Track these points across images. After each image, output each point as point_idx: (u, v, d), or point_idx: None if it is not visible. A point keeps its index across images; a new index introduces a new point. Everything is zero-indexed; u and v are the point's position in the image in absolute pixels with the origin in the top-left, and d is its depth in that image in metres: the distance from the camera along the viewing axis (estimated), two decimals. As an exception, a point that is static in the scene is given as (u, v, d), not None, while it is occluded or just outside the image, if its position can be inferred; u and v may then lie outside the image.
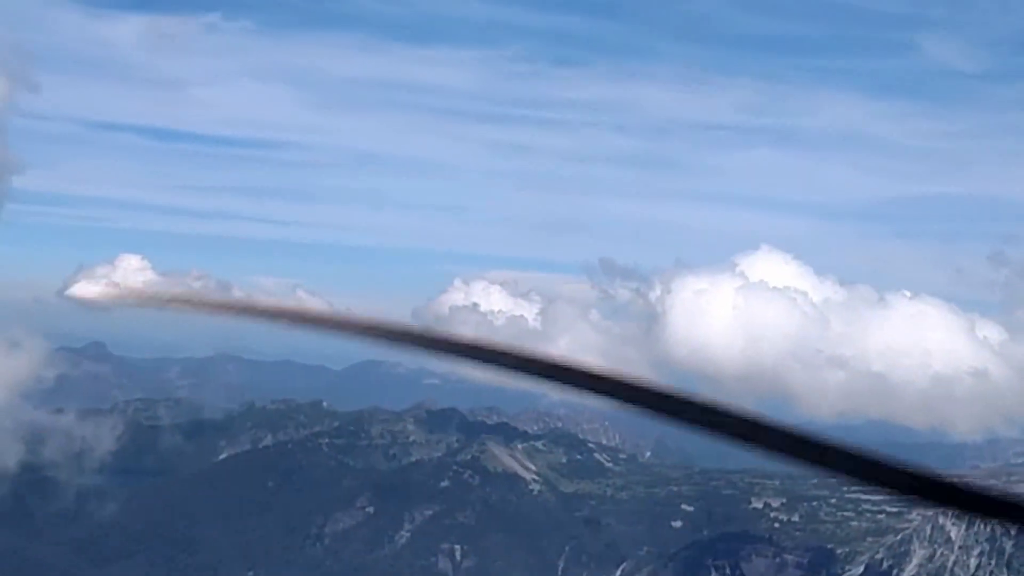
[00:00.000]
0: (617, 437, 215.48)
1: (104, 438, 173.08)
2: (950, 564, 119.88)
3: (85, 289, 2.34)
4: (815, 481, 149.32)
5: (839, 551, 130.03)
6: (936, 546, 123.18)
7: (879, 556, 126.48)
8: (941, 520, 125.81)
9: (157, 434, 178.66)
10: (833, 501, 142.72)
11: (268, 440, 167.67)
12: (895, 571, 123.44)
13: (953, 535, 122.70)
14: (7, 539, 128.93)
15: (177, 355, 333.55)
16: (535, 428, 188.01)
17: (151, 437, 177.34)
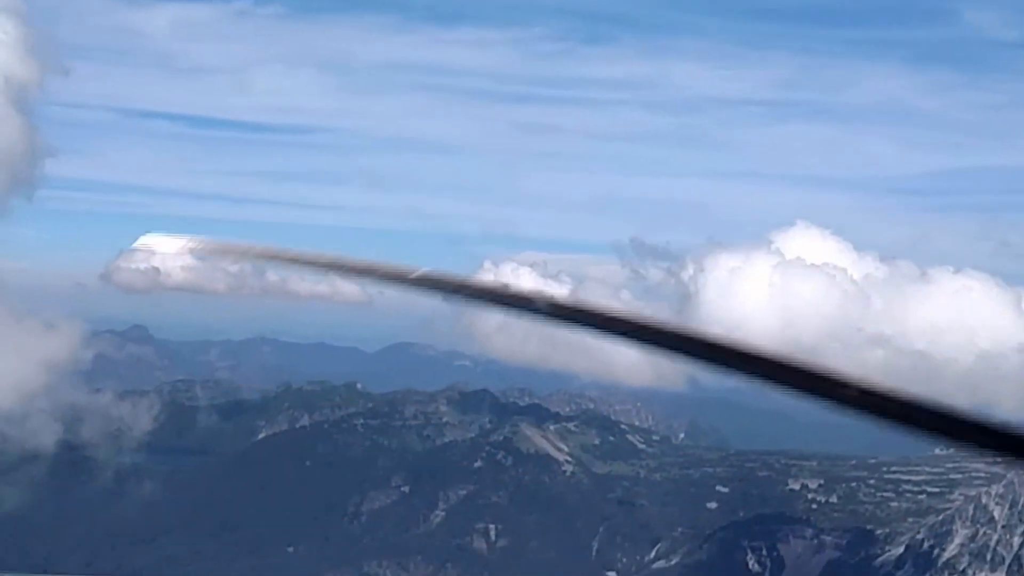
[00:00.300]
0: (650, 418, 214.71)
1: (145, 418, 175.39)
2: (992, 543, 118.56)
3: (153, 243, 2.37)
4: (853, 462, 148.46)
5: (878, 532, 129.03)
6: (978, 526, 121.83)
7: (920, 536, 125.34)
8: (984, 500, 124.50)
9: (197, 414, 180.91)
10: (872, 482, 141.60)
11: (305, 420, 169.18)
12: (936, 551, 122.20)
13: (996, 515, 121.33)
14: (48, 518, 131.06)
15: (216, 338, 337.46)
16: (567, 409, 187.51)
17: (191, 417, 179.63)
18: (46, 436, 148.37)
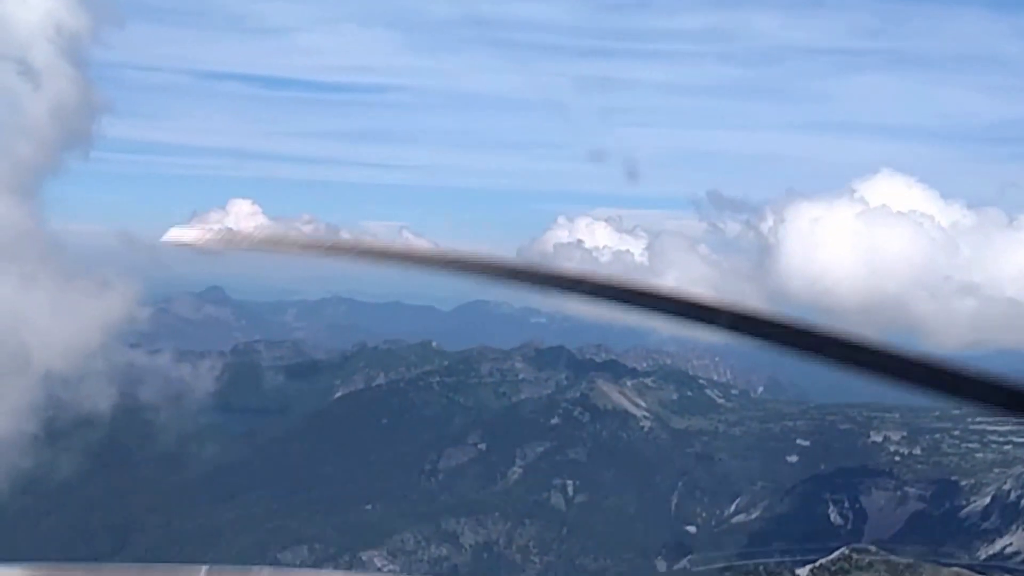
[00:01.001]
0: (728, 373, 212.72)
1: (223, 379, 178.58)
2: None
3: (182, 235, 2.41)
4: (937, 413, 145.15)
5: (963, 483, 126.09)
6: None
7: (1006, 487, 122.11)
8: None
9: (275, 374, 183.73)
10: (956, 433, 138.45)
11: (380, 379, 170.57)
12: (1023, 502, 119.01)
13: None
14: (129, 478, 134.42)
15: (292, 298, 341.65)
16: (644, 365, 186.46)
17: (270, 378, 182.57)
18: (113, 398, 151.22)
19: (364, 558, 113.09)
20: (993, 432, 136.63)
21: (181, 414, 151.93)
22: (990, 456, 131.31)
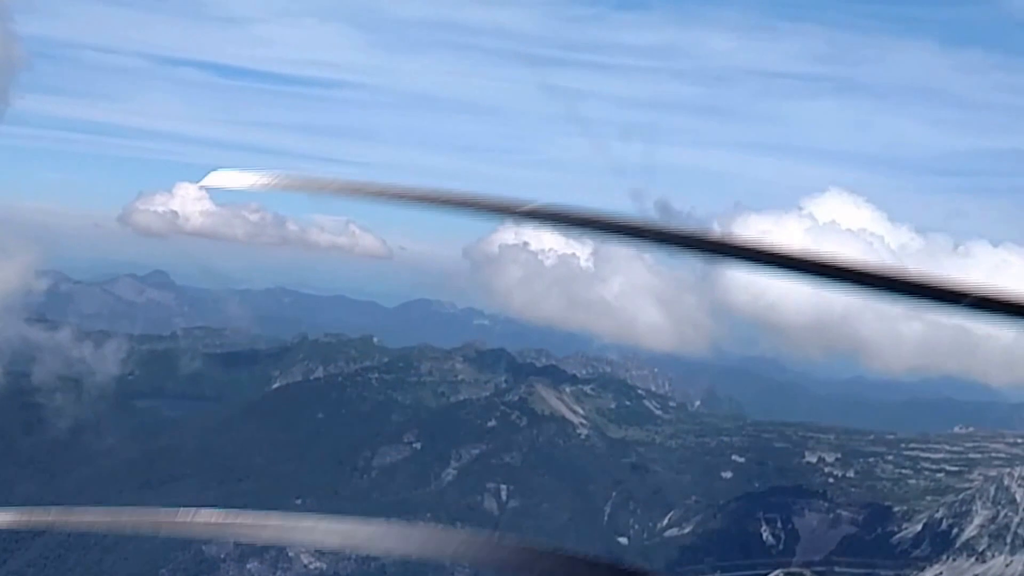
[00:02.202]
0: (667, 385, 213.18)
1: (160, 364, 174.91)
2: (1014, 526, 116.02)
3: (220, 179, 2.28)
4: (872, 437, 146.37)
5: (896, 509, 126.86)
6: (999, 507, 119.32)
7: (938, 515, 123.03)
8: (1007, 482, 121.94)
9: (213, 362, 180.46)
10: (890, 458, 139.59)
11: (319, 372, 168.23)
12: (955, 531, 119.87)
13: (1019, 497, 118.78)
14: (60, 456, 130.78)
15: (237, 287, 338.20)
16: (584, 372, 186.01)
17: (208, 364, 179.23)
18: (52, 373, 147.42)
19: (290, 554, 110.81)
20: (927, 459, 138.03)
21: (111, 396, 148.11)
22: (923, 483, 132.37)
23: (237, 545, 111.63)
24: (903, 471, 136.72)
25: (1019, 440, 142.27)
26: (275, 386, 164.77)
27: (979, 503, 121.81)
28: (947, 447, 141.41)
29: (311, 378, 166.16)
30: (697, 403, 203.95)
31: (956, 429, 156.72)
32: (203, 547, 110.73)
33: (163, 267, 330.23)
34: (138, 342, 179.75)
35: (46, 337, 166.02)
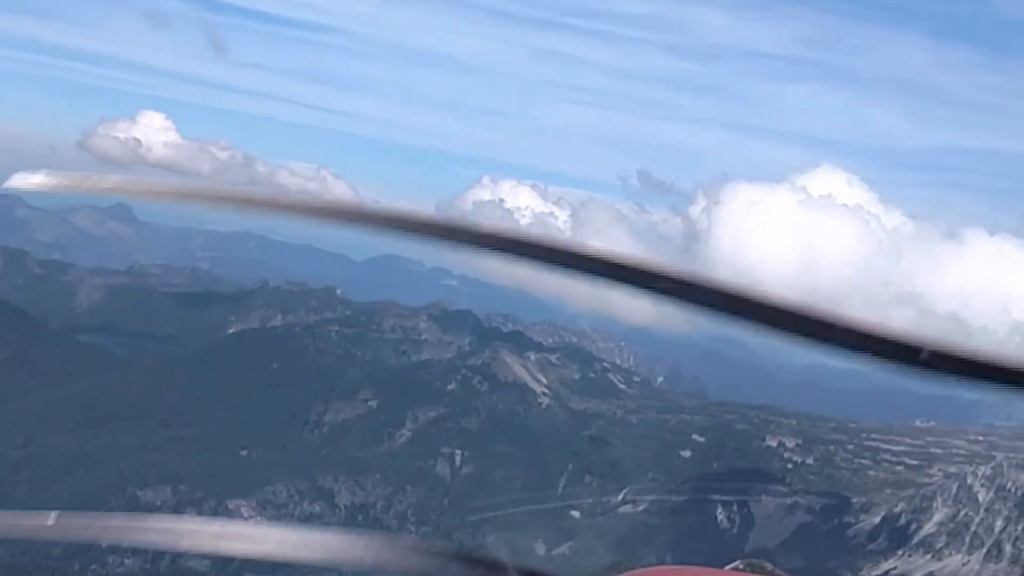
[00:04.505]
0: (632, 359, 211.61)
1: (112, 298, 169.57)
2: (973, 526, 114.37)
3: (27, 180, 1.88)
4: (833, 424, 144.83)
5: (855, 500, 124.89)
6: (960, 506, 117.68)
7: (897, 510, 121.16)
8: (969, 480, 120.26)
9: (168, 301, 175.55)
10: (850, 447, 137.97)
11: (278, 320, 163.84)
12: (913, 526, 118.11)
13: (981, 497, 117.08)
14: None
15: (202, 227, 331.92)
16: (550, 340, 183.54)
17: (162, 303, 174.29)
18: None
19: (231, 506, 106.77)
20: (887, 451, 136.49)
21: (55, 329, 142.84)
22: (882, 475, 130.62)
23: (174, 493, 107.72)
24: (862, 461, 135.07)
25: (979, 438, 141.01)
26: (230, 331, 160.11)
27: (940, 500, 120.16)
28: (908, 440, 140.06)
29: (268, 326, 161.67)
30: (660, 380, 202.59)
31: (917, 423, 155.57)
32: (138, 492, 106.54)
33: (126, 200, 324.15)
34: (90, 274, 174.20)
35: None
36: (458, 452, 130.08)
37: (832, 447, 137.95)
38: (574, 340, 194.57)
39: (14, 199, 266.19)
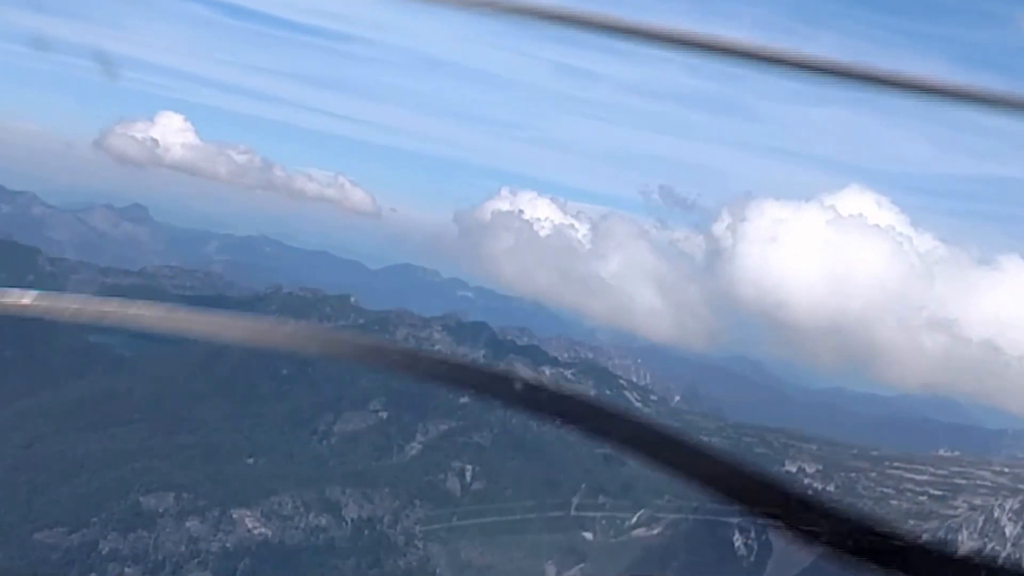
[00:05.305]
0: (648, 377, 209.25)
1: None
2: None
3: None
4: (855, 451, 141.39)
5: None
6: (986, 539, 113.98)
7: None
8: (996, 513, 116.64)
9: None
10: (873, 475, 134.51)
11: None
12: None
13: (1008, 531, 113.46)
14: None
15: (218, 231, 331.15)
16: (565, 356, 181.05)
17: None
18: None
19: (235, 516, 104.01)
20: (910, 480, 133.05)
21: (63, 328, 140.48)
22: (905, 505, 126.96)
23: (177, 500, 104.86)
24: (885, 490, 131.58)
25: (1005, 469, 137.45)
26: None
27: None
28: (931, 469, 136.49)
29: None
30: (677, 399, 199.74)
31: (941, 451, 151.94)
32: (140, 499, 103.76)
33: (143, 201, 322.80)
34: (103, 274, 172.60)
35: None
36: (469, 467, 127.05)
37: (854, 474, 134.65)
38: (590, 356, 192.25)
39: (31, 197, 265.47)
